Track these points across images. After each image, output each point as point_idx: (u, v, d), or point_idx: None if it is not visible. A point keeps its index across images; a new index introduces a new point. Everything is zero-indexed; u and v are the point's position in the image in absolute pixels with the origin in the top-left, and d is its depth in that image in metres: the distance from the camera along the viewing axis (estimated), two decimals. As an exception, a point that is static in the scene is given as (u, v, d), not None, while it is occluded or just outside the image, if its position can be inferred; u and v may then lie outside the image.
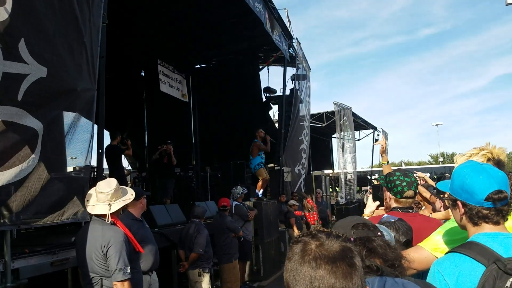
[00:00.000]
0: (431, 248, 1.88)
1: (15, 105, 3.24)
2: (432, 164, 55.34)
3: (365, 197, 22.97)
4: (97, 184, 3.36)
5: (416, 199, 2.98)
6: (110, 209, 3.23)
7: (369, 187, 25.89)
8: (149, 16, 9.27)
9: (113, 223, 3.26)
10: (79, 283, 5.14)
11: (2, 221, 3.42)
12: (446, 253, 1.61)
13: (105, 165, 6.27)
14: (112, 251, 3.14)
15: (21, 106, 3.29)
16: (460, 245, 1.57)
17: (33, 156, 3.50)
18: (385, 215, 2.28)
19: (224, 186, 10.98)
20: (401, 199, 2.48)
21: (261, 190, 10.24)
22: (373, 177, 28.40)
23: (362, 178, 28.14)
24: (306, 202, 8.27)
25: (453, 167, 2.16)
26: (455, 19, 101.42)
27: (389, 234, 1.66)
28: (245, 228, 7.55)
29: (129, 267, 3.17)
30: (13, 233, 4.41)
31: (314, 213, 6.28)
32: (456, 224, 1.90)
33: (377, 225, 1.62)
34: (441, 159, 50.94)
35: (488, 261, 1.44)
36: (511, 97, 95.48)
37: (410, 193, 2.45)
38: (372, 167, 29.09)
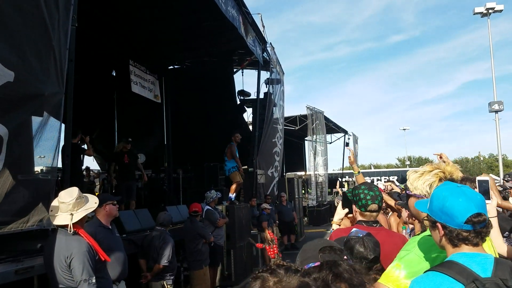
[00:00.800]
0: (394, 286, 1.89)
1: (-21, 110, 3.13)
2: (399, 167, 56.73)
3: (335, 199, 23.30)
4: (59, 194, 3.34)
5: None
6: (71, 219, 3.20)
7: (340, 189, 26.24)
8: (121, 16, 9.10)
9: (75, 233, 3.22)
10: (46, 291, 5.02)
11: (-37, 229, 3.30)
12: (425, 272, 1.63)
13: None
14: (76, 262, 3.12)
15: (-14, 112, 3.18)
16: (439, 264, 1.61)
17: (-3, 162, 3.39)
18: (354, 229, 2.32)
19: (197, 189, 10.91)
20: (366, 213, 2.53)
21: (234, 194, 10.23)
22: (343, 179, 28.87)
23: (333, 180, 28.49)
24: (266, 234, 8.33)
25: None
26: (424, 26, 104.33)
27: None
28: (216, 233, 7.51)
29: (94, 277, 3.15)
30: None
31: (274, 246, 6.33)
32: (413, 250, 1.95)
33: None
34: (408, 163, 52.51)
35: (467, 280, 1.47)
36: (477, 103, 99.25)
37: (373, 206, 2.51)
38: (343, 169, 29.60)
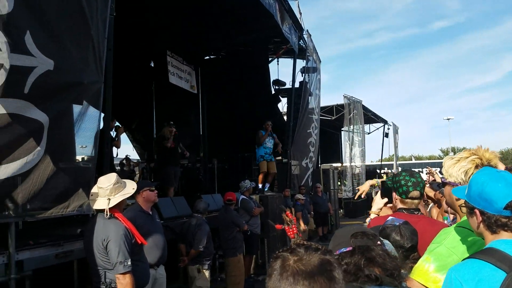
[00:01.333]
0: (423, 280, 1.83)
1: (21, 97, 3.24)
2: (442, 158, 54.85)
3: (373, 191, 22.87)
4: (98, 179, 3.43)
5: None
6: (108, 204, 3.29)
7: (375, 180, 25.67)
8: (158, 7, 9.21)
9: (113, 217, 3.31)
10: (84, 275, 5.20)
11: (6, 213, 3.44)
12: (464, 259, 1.58)
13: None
14: (112, 245, 3.19)
15: (27, 99, 3.29)
16: (479, 251, 1.55)
17: (38, 148, 3.50)
18: (390, 217, 2.24)
19: (231, 179, 10.98)
20: (407, 200, 2.42)
21: (267, 185, 10.21)
22: (382, 171, 28.26)
23: (371, 172, 27.96)
24: (285, 215, 8.33)
25: None
26: (469, 12, 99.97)
27: (388, 245, 1.63)
28: (252, 222, 7.56)
29: (130, 260, 3.21)
30: (19, 224, 4.43)
31: (293, 226, 6.37)
32: (443, 243, 1.88)
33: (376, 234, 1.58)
34: (451, 154, 50.50)
35: (509, 268, 1.41)
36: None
37: (415, 193, 2.39)
38: (381, 161, 28.95)
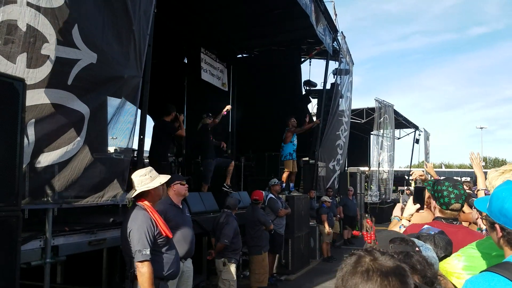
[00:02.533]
0: (448, 273, 1.83)
1: (65, 88, 3.37)
2: (473, 168, 53.29)
3: (401, 197, 22.49)
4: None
5: None
6: (133, 194, 3.46)
7: (406, 187, 25.29)
8: (194, 3, 9.33)
9: (141, 207, 3.43)
10: (114, 263, 5.35)
11: (45, 199, 3.58)
12: (480, 272, 1.56)
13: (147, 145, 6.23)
14: (134, 233, 3.31)
15: (71, 90, 3.41)
16: (495, 265, 1.54)
17: (78, 138, 3.63)
18: (426, 226, 2.21)
19: (258, 177, 11.03)
20: (447, 211, 2.39)
21: (292, 184, 10.19)
22: (410, 178, 27.69)
23: (400, 178, 27.49)
24: (365, 222, 8.38)
25: None
26: (509, 19, 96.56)
27: (429, 250, 1.62)
28: (277, 222, 7.57)
29: (149, 249, 3.29)
30: (55, 210, 4.60)
31: (372, 232, 6.42)
32: (477, 247, 1.89)
33: (415, 240, 1.57)
34: (483, 163, 48.96)
35: None
36: None
37: (457, 206, 2.36)
38: (410, 167, 28.40)
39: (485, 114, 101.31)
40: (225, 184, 8.02)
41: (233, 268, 5.65)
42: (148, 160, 7.23)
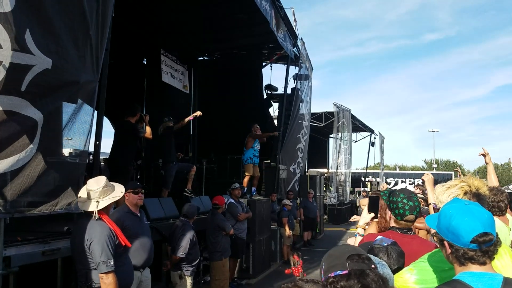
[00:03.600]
0: (399, 287, 1.90)
1: (18, 95, 3.24)
2: (425, 170, 55.54)
3: (357, 199, 23.09)
4: (88, 181, 3.51)
5: None
6: (97, 206, 3.38)
7: (362, 189, 26.04)
8: (154, 5, 9.19)
9: (99, 218, 3.37)
10: (68, 273, 5.17)
11: (-4, 209, 3.42)
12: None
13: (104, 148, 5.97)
14: (95, 245, 3.26)
15: (24, 97, 3.29)
16: (445, 283, 1.61)
17: (31, 146, 3.50)
18: (379, 237, 2.28)
19: (219, 180, 10.99)
20: (401, 221, 2.47)
21: (254, 188, 10.26)
22: (367, 179, 28.54)
23: (356, 180, 28.25)
24: (292, 257, 8.54)
25: (447, 174, 2.20)
26: (460, 26, 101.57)
27: (385, 267, 1.68)
28: (237, 226, 7.58)
29: (112, 260, 3.27)
30: (6, 219, 4.40)
31: (299, 266, 6.67)
32: (429, 260, 1.96)
33: (372, 256, 1.62)
34: (435, 166, 51.13)
35: None
36: (510, 108, 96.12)
37: (411, 217, 2.44)
38: (366, 169, 29.26)
39: (437, 118, 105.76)
40: (186, 189, 7.94)
41: (189, 281, 5.49)
42: (103, 164, 6.95)
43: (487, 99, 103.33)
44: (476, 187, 1.97)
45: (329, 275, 1.44)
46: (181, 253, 5.42)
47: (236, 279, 8.00)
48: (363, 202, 3.23)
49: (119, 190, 3.54)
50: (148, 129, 6.71)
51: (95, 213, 3.32)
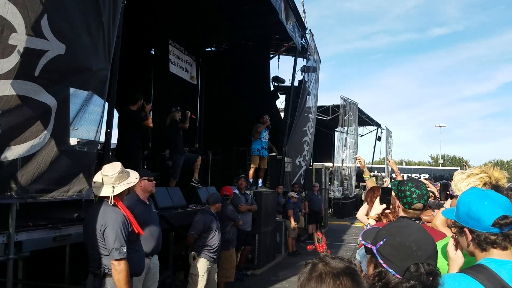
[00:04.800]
0: None
1: (31, 80, 3.25)
2: (431, 165, 55.35)
3: (362, 193, 23.05)
4: (103, 167, 3.49)
5: None
6: (113, 192, 3.37)
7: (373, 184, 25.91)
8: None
9: (114, 205, 3.37)
10: (76, 260, 5.23)
11: (9, 193, 3.45)
12: (455, 273, 1.64)
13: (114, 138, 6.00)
14: (109, 231, 3.26)
15: (38, 82, 3.30)
16: (469, 267, 1.60)
17: (45, 132, 3.52)
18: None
19: (225, 172, 11.02)
20: (409, 210, 2.48)
21: (260, 180, 10.27)
22: (372, 174, 28.46)
23: (362, 174, 28.13)
24: (315, 234, 8.62)
25: (453, 170, 2.20)
26: (468, 21, 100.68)
27: None
28: (241, 218, 7.59)
29: (125, 247, 3.28)
30: (17, 205, 4.44)
31: (322, 243, 6.72)
32: (440, 248, 1.94)
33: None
34: (441, 161, 50.89)
35: (494, 287, 1.47)
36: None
37: (419, 205, 2.45)
38: (372, 163, 29.19)
39: (444, 113, 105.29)
40: (193, 179, 7.96)
41: (201, 263, 5.57)
42: (114, 153, 6.94)
43: (493, 95, 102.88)
44: (496, 178, 1.96)
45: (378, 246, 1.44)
46: (191, 232, 5.60)
47: (242, 269, 8.04)
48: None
49: (134, 177, 3.54)
50: (148, 117, 6.67)
51: (111, 199, 3.32)
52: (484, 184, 1.95)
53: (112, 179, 3.36)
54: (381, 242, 1.44)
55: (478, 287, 1.48)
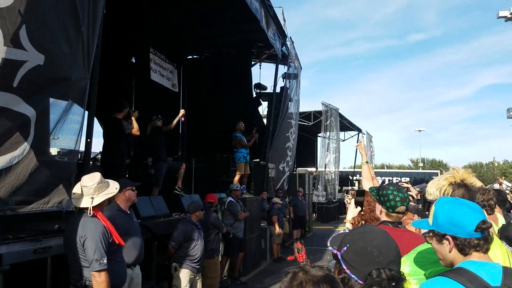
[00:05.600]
0: None
1: (10, 91, 3.22)
2: (412, 169, 56.17)
3: (345, 197, 23.26)
4: (82, 178, 3.46)
5: None
6: (92, 203, 3.34)
7: (350, 187, 26.27)
8: (144, 3, 9.15)
9: (94, 215, 3.35)
10: (58, 272, 5.13)
11: (-12, 206, 3.40)
12: (434, 276, 1.66)
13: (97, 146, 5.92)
14: (89, 242, 3.24)
15: (16, 93, 3.26)
16: (449, 270, 1.64)
17: (25, 143, 3.48)
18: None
19: (209, 179, 10.99)
20: (393, 214, 2.50)
21: (244, 186, 10.26)
22: (354, 178, 28.78)
23: (344, 178, 28.45)
24: (295, 245, 8.66)
25: (433, 173, 2.27)
26: (446, 26, 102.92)
27: None
28: (236, 225, 7.71)
29: (106, 258, 3.26)
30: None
31: (302, 252, 6.83)
32: (422, 252, 2.00)
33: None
34: (421, 165, 51.74)
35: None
36: (495, 107, 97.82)
37: (402, 208, 2.48)
38: (354, 168, 29.47)
39: (423, 118, 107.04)
40: (176, 187, 7.92)
41: (184, 274, 5.49)
42: (100, 162, 6.81)
43: (472, 99, 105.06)
44: (461, 177, 2.02)
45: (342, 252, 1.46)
46: (172, 243, 5.54)
47: (226, 277, 8.01)
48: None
49: (113, 187, 3.51)
50: (135, 125, 6.57)
51: (90, 210, 3.29)
52: (450, 184, 2.01)
53: (91, 189, 3.34)
54: (345, 248, 1.47)
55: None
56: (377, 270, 1.38)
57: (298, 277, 1.24)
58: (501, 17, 23.38)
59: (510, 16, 22.99)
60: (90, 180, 3.39)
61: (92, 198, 3.36)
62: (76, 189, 3.45)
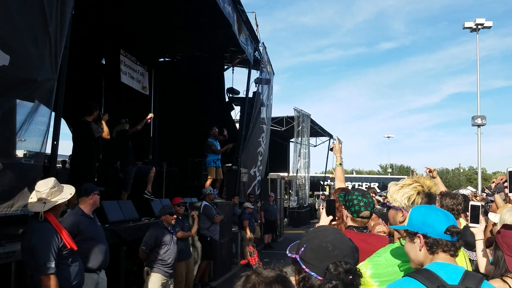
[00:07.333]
0: None
1: (-28, 92, 3.12)
2: (381, 174, 57.45)
3: (316, 202, 23.52)
4: (37, 182, 3.47)
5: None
6: (43, 207, 3.35)
7: (321, 192, 26.57)
8: (115, 4, 9.03)
9: (45, 219, 3.34)
10: (23, 277, 4.99)
11: None
12: (402, 277, 1.78)
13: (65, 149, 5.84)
14: (37, 246, 3.25)
15: (-21, 94, 3.17)
16: (416, 271, 1.75)
17: (-13, 145, 3.38)
18: None
19: (180, 184, 10.91)
20: (357, 219, 2.56)
21: (216, 191, 10.25)
22: (325, 183, 29.14)
23: (316, 183, 28.76)
24: (247, 248, 8.76)
25: (401, 178, 2.36)
26: (414, 36, 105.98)
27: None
28: (212, 228, 7.79)
29: (53, 262, 3.26)
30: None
31: (254, 255, 6.93)
32: (383, 255, 2.09)
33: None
34: (389, 170, 53.05)
35: (432, 285, 1.62)
36: (460, 115, 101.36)
37: (366, 213, 2.54)
38: (325, 173, 29.86)
39: (392, 124, 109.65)
40: (146, 191, 7.83)
41: (155, 278, 5.45)
42: (60, 165, 6.68)
43: (439, 106, 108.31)
44: (427, 186, 2.10)
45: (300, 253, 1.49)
46: (142, 247, 5.51)
47: (197, 283, 7.96)
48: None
49: (68, 192, 3.50)
50: (105, 128, 6.49)
51: (41, 214, 3.28)
52: (418, 193, 2.08)
53: (44, 194, 3.33)
54: (302, 249, 1.51)
55: (418, 286, 1.63)
56: (334, 264, 1.42)
57: (251, 280, 1.27)
58: (466, 27, 24.29)
59: (474, 27, 23.90)
60: (44, 185, 3.41)
61: (44, 203, 3.37)
62: (33, 194, 3.45)
